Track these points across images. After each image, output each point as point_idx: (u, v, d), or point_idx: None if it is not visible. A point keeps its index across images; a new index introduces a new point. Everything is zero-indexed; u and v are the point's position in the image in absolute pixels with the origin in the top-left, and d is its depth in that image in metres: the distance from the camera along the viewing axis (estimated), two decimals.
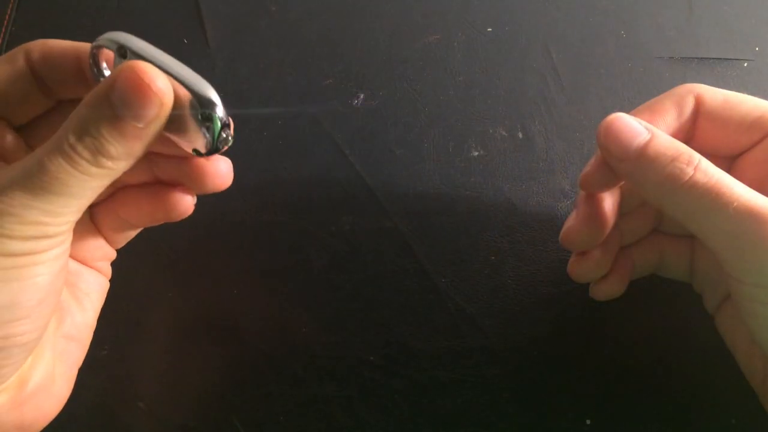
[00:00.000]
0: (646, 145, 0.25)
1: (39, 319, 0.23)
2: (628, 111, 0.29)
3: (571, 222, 0.30)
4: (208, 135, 0.23)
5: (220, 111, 0.23)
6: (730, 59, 0.41)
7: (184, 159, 0.27)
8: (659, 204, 0.26)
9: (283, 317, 0.34)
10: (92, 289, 0.29)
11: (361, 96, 0.41)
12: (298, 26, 0.43)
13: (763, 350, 0.26)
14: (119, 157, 0.22)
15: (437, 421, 0.32)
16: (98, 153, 0.22)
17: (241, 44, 0.42)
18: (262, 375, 0.33)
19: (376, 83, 0.41)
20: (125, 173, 0.24)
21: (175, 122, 0.24)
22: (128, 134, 0.22)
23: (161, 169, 0.28)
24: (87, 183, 0.22)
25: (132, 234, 0.31)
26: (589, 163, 0.29)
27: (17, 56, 0.25)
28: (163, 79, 0.22)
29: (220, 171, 0.27)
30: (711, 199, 0.24)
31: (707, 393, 0.32)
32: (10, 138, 0.26)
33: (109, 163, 0.22)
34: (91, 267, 0.29)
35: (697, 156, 0.25)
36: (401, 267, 0.36)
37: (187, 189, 0.28)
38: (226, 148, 0.24)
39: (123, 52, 0.24)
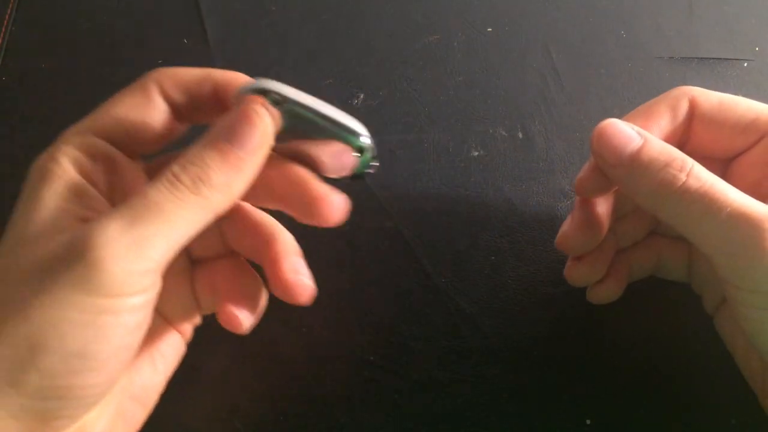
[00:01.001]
0: (639, 150, 0.25)
1: (109, 373, 0.22)
2: (628, 111, 0.29)
3: (566, 226, 0.30)
4: (358, 162, 0.26)
5: (369, 141, 0.26)
6: (730, 59, 0.41)
7: (304, 203, 0.26)
8: (653, 210, 0.26)
9: (282, 317, 0.34)
10: (169, 351, 0.28)
11: (361, 96, 0.41)
12: (298, 26, 0.43)
13: (760, 353, 0.26)
14: (218, 187, 0.22)
15: (437, 421, 0.32)
16: (198, 179, 0.22)
17: (241, 44, 0.42)
18: (262, 375, 0.33)
19: (376, 83, 0.41)
20: (237, 240, 0.25)
21: (317, 150, 0.25)
22: (230, 162, 0.23)
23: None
24: (183, 212, 0.22)
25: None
26: (583, 168, 0.29)
27: (148, 86, 0.25)
28: (266, 111, 0.24)
29: (341, 204, 0.26)
30: (704, 205, 0.24)
31: (707, 393, 0.32)
32: (142, 179, 0.26)
33: (207, 192, 0.22)
34: (174, 327, 0.28)
35: (690, 161, 0.25)
36: (401, 267, 0.36)
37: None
38: (372, 171, 0.27)
39: (275, 99, 0.25)
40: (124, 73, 0.42)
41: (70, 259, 0.20)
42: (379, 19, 0.43)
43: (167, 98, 0.26)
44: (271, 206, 0.28)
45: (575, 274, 0.31)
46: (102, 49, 0.43)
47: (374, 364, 0.33)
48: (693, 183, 0.24)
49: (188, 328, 0.30)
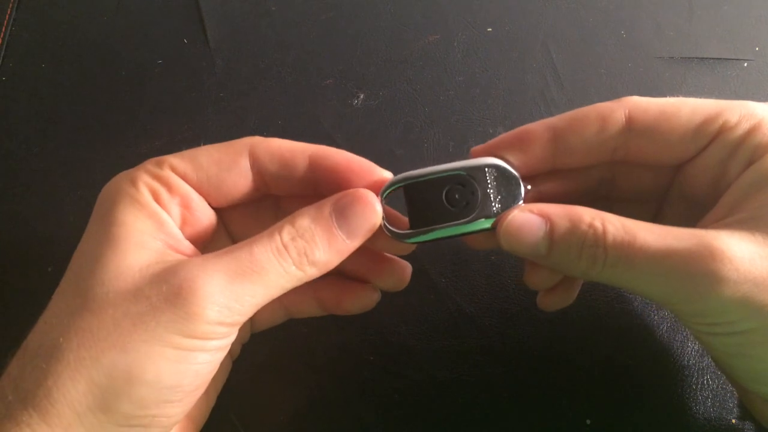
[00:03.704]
0: (550, 238, 0.24)
1: (189, 403, 0.24)
2: None
3: (529, 267, 0.29)
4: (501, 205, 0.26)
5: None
6: (730, 59, 0.41)
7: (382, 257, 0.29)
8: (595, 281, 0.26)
9: None
10: (220, 372, 0.29)
11: (361, 96, 0.41)
12: (298, 26, 0.43)
13: (725, 374, 0.26)
14: (317, 265, 0.24)
15: (437, 421, 0.32)
16: (304, 255, 0.24)
17: (241, 44, 0.42)
18: (262, 375, 0.33)
19: (376, 83, 0.41)
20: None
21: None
22: (335, 247, 0.24)
23: (352, 263, 0.29)
24: (281, 280, 0.24)
25: (280, 321, 0.31)
26: (525, 268, 0.29)
27: (240, 148, 0.26)
28: (379, 206, 0.25)
29: (407, 268, 0.29)
30: (634, 267, 0.23)
31: (707, 393, 0.32)
32: (212, 220, 0.28)
33: (308, 268, 0.24)
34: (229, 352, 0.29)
35: (599, 227, 0.23)
36: None
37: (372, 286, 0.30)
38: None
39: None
40: (124, 73, 0.42)
41: (174, 302, 0.22)
42: (379, 19, 0.43)
43: (256, 164, 0.27)
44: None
45: (534, 278, 0.29)
46: (102, 49, 0.43)
47: (374, 364, 0.33)
48: (613, 252, 0.23)
49: (237, 347, 0.31)
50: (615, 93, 0.40)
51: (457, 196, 0.26)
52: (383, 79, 0.41)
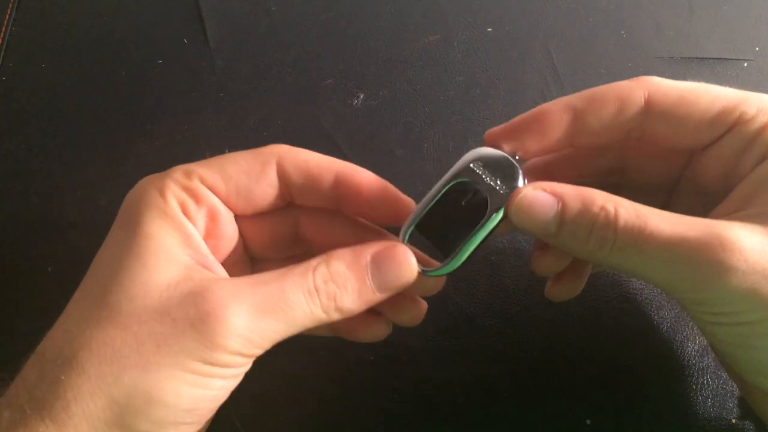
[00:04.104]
0: (561, 217, 0.24)
1: (200, 424, 0.24)
2: None
3: (536, 252, 0.29)
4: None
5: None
6: (730, 59, 0.41)
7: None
8: (600, 264, 0.26)
9: None
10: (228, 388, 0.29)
11: (361, 96, 0.41)
12: (298, 26, 0.43)
13: (725, 367, 0.26)
14: (343, 312, 0.24)
15: (437, 421, 0.32)
16: (333, 300, 0.24)
17: (241, 44, 0.42)
18: (262, 375, 0.33)
19: (376, 83, 0.41)
20: None
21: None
22: (364, 297, 0.25)
23: None
24: (305, 320, 0.24)
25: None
26: (531, 252, 0.29)
27: (268, 158, 0.26)
28: (415, 263, 0.25)
29: (424, 307, 0.29)
30: (644, 252, 0.23)
31: (707, 393, 0.32)
32: (234, 231, 0.28)
33: (333, 313, 0.24)
34: None
35: (611, 210, 0.23)
36: None
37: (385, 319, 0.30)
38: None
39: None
40: (124, 73, 0.42)
41: (199, 328, 0.22)
42: (379, 19, 0.43)
43: (283, 175, 0.27)
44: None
45: (541, 264, 0.29)
46: (102, 49, 0.43)
47: (374, 364, 0.33)
48: (624, 236, 0.23)
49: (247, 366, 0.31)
50: None
51: (463, 203, 0.26)
52: (383, 79, 0.41)
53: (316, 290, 0.24)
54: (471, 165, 0.26)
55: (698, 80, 0.41)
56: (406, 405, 0.33)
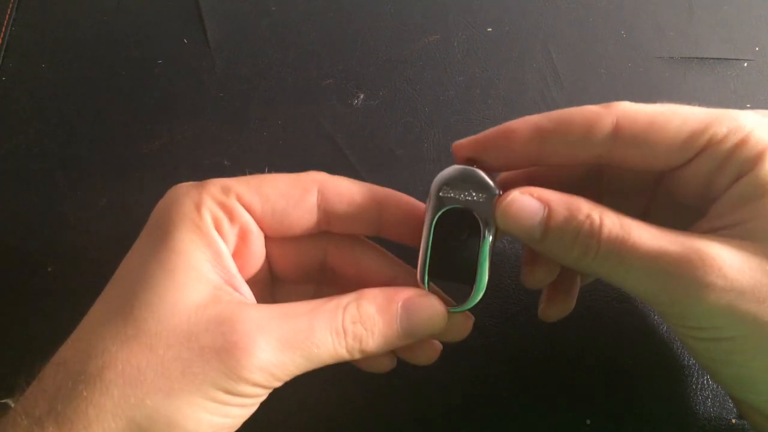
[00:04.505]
0: (546, 224, 0.24)
1: None
2: None
3: (526, 267, 0.30)
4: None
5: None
6: (730, 59, 0.41)
7: None
8: (583, 272, 0.26)
9: None
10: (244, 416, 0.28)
11: (361, 96, 0.41)
12: (298, 26, 0.43)
13: (713, 378, 0.26)
14: (365, 354, 0.25)
15: (437, 421, 0.32)
16: (359, 343, 0.24)
17: (241, 44, 0.42)
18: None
19: (376, 83, 0.41)
20: None
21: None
22: (389, 341, 0.25)
23: None
24: (327, 358, 0.24)
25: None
26: (522, 266, 0.29)
27: (310, 185, 0.26)
28: (445, 315, 0.26)
29: (439, 349, 0.29)
30: (626, 262, 0.23)
31: (707, 393, 0.32)
32: (262, 253, 0.27)
33: (357, 355, 0.24)
34: None
35: (596, 220, 0.24)
36: None
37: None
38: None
39: None
40: (124, 73, 0.42)
41: (224, 359, 0.22)
42: (379, 19, 0.43)
43: (323, 203, 0.27)
44: None
45: (531, 279, 0.30)
46: (102, 49, 0.43)
47: None
48: (607, 245, 0.23)
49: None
50: (615, 93, 0.40)
51: (457, 229, 0.26)
52: (383, 79, 0.41)
53: (344, 331, 0.24)
54: (440, 194, 0.26)
55: (698, 80, 0.41)
56: (405, 405, 0.33)
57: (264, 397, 0.24)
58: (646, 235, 0.23)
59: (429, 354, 0.29)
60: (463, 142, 0.28)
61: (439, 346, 0.29)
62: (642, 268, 0.23)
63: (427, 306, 0.25)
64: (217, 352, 0.22)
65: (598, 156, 0.26)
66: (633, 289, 0.25)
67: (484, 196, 0.26)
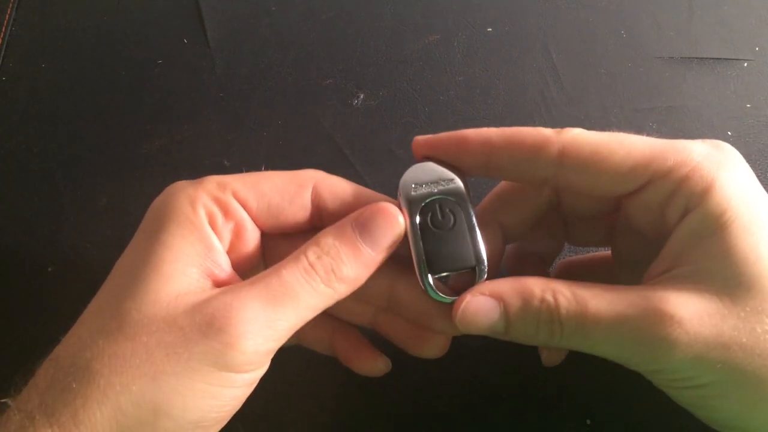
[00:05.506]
0: (506, 321, 0.25)
1: None
2: (626, 111, 0.29)
3: (545, 352, 0.30)
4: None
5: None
6: (730, 59, 0.41)
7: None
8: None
9: None
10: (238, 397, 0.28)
11: (361, 96, 0.41)
12: (298, 26, 0.43)
13: (698, 417, 0.26)
14: (346, 281, 0.24)
15: (437, 421, 0.32)
16: (332, 272, 0.24)
17: (241, 44, 0.42)
18: (262, 375, 0.33)
19: (376, 83, 0.41)
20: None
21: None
22: (361, 260, 0.25)
23: (398, 332, 0.29)
24: (312, 300, 0.24)
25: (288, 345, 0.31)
26: (540, 349, 0.30)
27: (306, 182, 0.27)
28: (401, 217, 0.26)
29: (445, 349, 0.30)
30: (585, 336, 0.24)
31: None
32: (257, 248, 0.28)
33: (337, 285, 0.24)
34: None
35: (550, 297, 0.24)
36: None
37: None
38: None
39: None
40: (124, 73, 0.42)
41: (208, 333, 0.22)
42: (379, 19, 0.43)
43: (317, 200, 0.27)
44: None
45: (549, 360, 0.31)
46: (102, 49, 0.43)
47: None
48: (569, 324, 0.24)
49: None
50: (615, 93, 0.40)
51: (440, 218, 0.26)
52: (383, 79, 0.41)
53: (312, 267, 0.24)
54: (413, 194, 0.26)
55: (698, 80, 0.41)
56: (405, 405, 0.33)
57: (261, 369, 0.24)
58: (603, 304, 0.23)
59: (439, 344, 0.29)
60: (422, 139, 0.28)
61: (448, 337, 0.29)
62: (606, 338, 0.23)
63: (377, 213, 0.25)
64: (199, 328, 0.22)
65: (545, 179, 0.26)
66: (605, 356, 0.25)
67: (451, 180, 0.27)
